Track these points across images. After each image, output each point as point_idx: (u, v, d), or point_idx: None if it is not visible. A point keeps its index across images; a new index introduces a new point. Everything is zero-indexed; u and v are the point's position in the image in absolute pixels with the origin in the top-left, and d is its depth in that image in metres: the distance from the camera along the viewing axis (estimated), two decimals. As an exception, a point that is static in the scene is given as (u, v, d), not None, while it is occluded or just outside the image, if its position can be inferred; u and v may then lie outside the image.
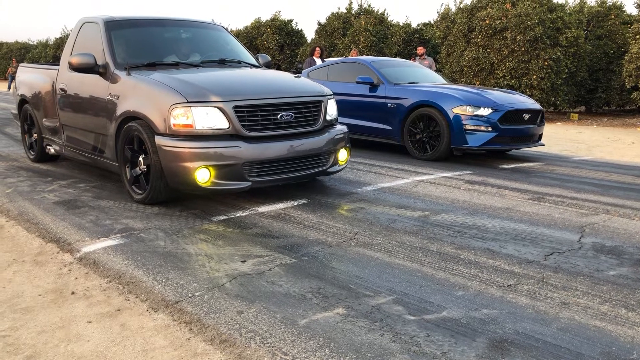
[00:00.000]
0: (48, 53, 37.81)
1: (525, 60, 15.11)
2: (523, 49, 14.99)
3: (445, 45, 17.59)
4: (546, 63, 14.89)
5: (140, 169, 4.89)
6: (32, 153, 7.11)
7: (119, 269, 3.40)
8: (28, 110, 6.93)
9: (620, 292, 3.11)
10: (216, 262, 3.49)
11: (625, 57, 14.46)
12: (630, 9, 17.35)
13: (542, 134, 8.14)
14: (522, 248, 3.84)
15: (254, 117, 4.66)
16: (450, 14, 18.62)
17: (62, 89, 5.96)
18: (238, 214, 4.63)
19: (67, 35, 37.52)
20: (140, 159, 4.84)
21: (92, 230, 4.17)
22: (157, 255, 3.62)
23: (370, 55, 18.99)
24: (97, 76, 5.34)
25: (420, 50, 13.06)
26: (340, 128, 5.46)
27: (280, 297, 2.98)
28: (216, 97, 4.52)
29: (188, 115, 4.45)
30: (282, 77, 5.56)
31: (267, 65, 6.28)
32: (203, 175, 4.44)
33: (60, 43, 37.36)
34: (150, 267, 3.40)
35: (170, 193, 4.82)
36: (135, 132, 4.79)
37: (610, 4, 17.61)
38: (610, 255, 3.73)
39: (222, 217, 4.54)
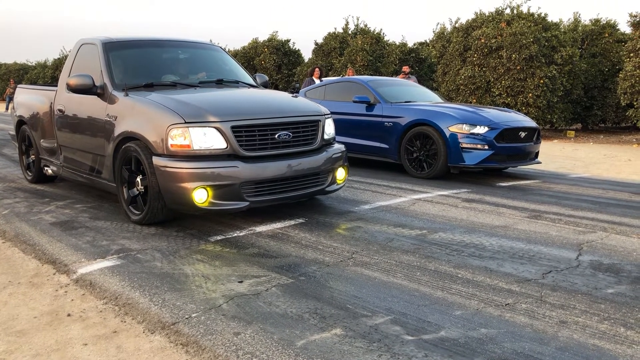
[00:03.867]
0: (46, 74, 37.99)
1: (520, 79, 15.22)
2: (518, 67, 15.11)
3: (442, 64, 17.73)
4: (542, 81, 15.00)
5: (137, 190, 4.88)
6: (30, 174, 7.12)
7: (116, 290, 3.38)
8: (26, 131, 6.94)
9: (618, 310, 3.10)
10: (213, 283, 3.47)
11: (620, 75, 14.58)
12: (623, 27, 17.57)
13: (538, 151, 8.17)
14: (520, 266, 3.84)
15: (252, 136, 4.66)
16: (446, 33, 18.79)
17: (60, 110, 5.97)
18: (235, 234, 4.62)
19: (66, 56, 37.78)
20: (138, 179, 4.83)
21: (89, 251, 4.16)
22: (153, 276, 3.61)
23: (367, 74, 19.12)
24: (95, 97, 5.33)
25: (406, 69, 14.16)
26: (338, 147, 5.47)
27: (278, 317, 2.96)
28: (214, 117, 4.53)
29: (185, 135, 4.45)
30: (279, 97, 5.58)
31: (265, 85, 6.31)
32: (201, 196, 4.43)
33: (59, 64, 37.54)
34: (146, 288, 3.39)
35: (168, 213, 4.82)
36: (132, 153, 4.79)
37: (604, 22, 17.80)
38: (608, 273, 3.72)
39: (219, 237, 4.53)
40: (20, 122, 7.08)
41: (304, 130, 5.05)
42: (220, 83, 5.83)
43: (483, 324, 2.88)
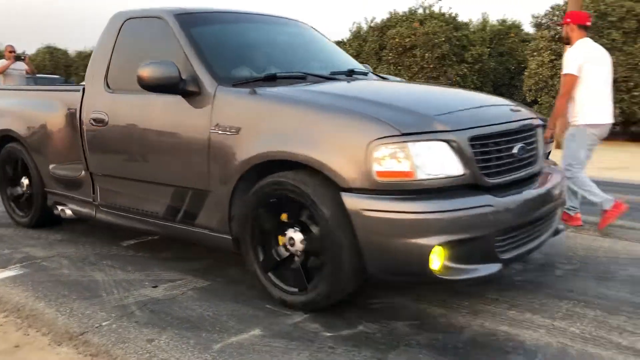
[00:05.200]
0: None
1: (434, 77, 15.74)
2: (432, 66, 15.62)
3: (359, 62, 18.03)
4: (454, 79, 15.58)
5: (288, 249, 3.01)
6: (21, 214, 4.88)
7: (18, 302, 3.17)
8: (18, 152, 4.76)
9: (524, 296, 3.24)
10: (125, 289, 3.33)
11: (525, 73, 15.37)
12: (527, 27, 18.67)
13: (550, 151, 7.85)
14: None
15: (490, 154, 2.91)
16: (362, 32, 19.10)
17: (97, 121, 3.93)
18: (149, 237, 4.46)
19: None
20: (292, 233, 2.98)
21: (-12, 261, 3.88)
22: (61, 284, 3.42)
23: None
24: (176, 98, 3.39)
25: None
26: (553, 166, 3.88)
27: (194, 321, 2.88)
28: (443, 126, 2.78)
29: (402, 156, 2.66)
30: (462, 91, 4.21)
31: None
32: (435, 257, 2.68)
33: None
34: (53, 298, 3.20)
35: (356, 283, 2.93)
36: (282, 189, 2.93)
37: (510, 23, 18.74)
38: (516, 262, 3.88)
39: (131, 242, 4.36)
40: (5, 139, 4.88)
41: (532, 142, 3.27)
42: (350, 75, 4.04)
43: (404, 317, 2.93)
